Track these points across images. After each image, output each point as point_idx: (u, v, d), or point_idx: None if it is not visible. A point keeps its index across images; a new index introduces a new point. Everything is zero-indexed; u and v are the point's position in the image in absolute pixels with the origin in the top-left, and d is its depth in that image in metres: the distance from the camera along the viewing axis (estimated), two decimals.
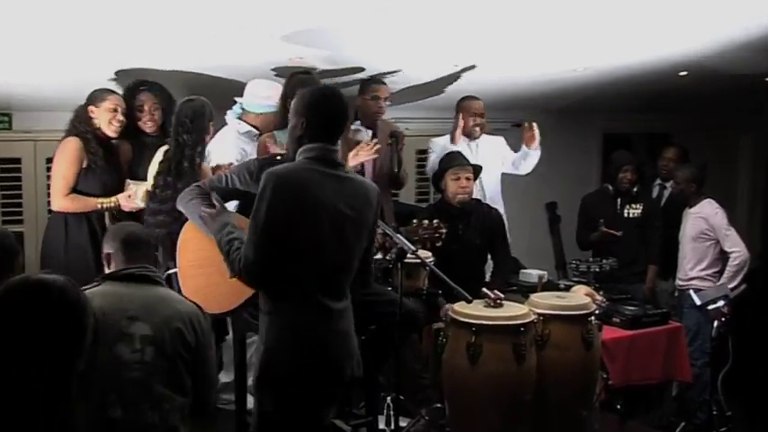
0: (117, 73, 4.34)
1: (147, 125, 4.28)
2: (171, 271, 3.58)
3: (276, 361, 2.70)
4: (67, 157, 4.00)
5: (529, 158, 5.15)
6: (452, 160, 4.60)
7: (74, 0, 3.37)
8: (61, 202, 4.02)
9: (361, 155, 4.32)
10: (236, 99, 4.51)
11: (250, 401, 3.17)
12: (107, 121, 4.08)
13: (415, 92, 5.45)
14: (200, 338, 2.66)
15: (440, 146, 5.07)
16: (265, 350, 2.73)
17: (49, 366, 1.94)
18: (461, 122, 5.08)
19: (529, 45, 4.58)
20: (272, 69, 4.56)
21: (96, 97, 4.10)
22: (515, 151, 5.28)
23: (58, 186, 4.02)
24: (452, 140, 5.05)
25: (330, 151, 2.78)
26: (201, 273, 3.39)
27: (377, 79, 4.78)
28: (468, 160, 4.62)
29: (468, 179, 4.52)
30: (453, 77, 5.20)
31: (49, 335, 1.96)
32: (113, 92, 4.18)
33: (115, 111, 4.08)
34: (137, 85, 4.30)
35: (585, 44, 4.66)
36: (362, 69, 4.76)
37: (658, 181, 6.01)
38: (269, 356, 2.72)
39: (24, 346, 1.94)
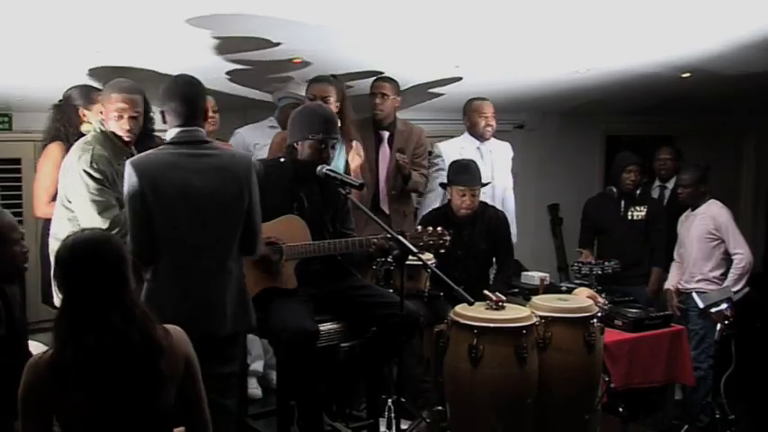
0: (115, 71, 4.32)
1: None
2: None
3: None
4: (55, 164, 3.74)
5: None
6: (461, 174, 4.51)
7: (73, 1, 3.38)
8: (45, 209, 3.84)
9: (355, 158, 4.34)
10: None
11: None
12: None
13: (416, 93, 5.46)
14: None
15: (448, 150, 5.04)
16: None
17: None
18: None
19: (531, 47, 4.58)
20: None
21: (90, 96, 3.86)
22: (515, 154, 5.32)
23: (40, 194, 3.87)
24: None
25: (188, 132, 3.01)
26: None
27: (379, 76, 4.79)
28: (478, 174, 4.54)
29: (473, 196, 4.49)
30: (454, 79, 5.21)
31: None
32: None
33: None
34: None
35: (588, 46, 4.66)
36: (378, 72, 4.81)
37: (658, 182, 6.00)
38: None
39: None
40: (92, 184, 3.34)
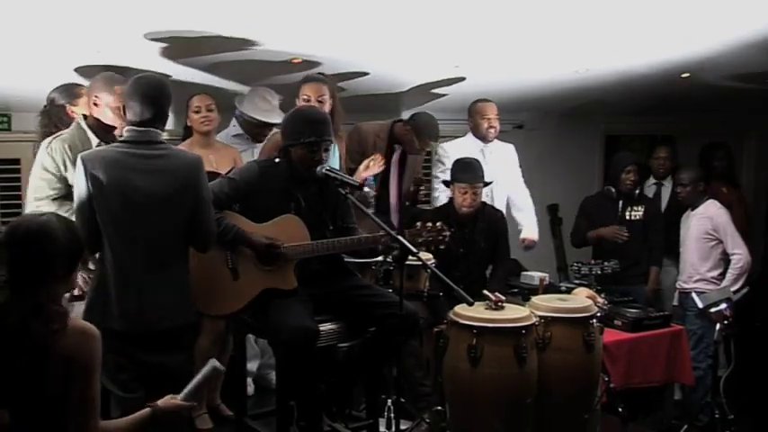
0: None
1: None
2: None
3: (92, 309, 3.09)
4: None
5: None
6: (463, 172, 4.57)
7: (72, 1, 3.40)
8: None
9: (372, 167, 4.36)
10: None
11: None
12: (113, 116, 3.68)
13: (416, 94, 5.47)
14: None
15: (452, 151, 5.07)
16: (87, 299, 3.17)
17: None
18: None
19: (530, 47, 4.59)
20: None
21: (74, 92, 3.94)
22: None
23: (30, 194, 3.81)
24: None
25: (140, 132, 3.12)
26: (205, 274, 3.43)
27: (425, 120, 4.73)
28: (481, 173, 4.59)
29: (475, 194, 4.52)
30: (457, 79, 5.23)
31: None
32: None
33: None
34: None
35: (588, 46, 4.67)
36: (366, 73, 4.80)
37: (653, 180, 6.02)
38: (88, 305, 3.14)
39: None
40: (42, 167, 3.56)
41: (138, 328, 3.08)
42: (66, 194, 3.54)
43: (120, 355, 3.07)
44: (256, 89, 4.65)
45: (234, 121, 4.75)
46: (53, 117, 3.95)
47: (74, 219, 3.04)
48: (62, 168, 3.57)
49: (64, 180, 3.56)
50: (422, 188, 4.94)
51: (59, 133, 3.69)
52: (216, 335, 4.14)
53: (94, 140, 3.66)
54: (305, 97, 4.20)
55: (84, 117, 3.75)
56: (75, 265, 2.31)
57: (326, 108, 4.14)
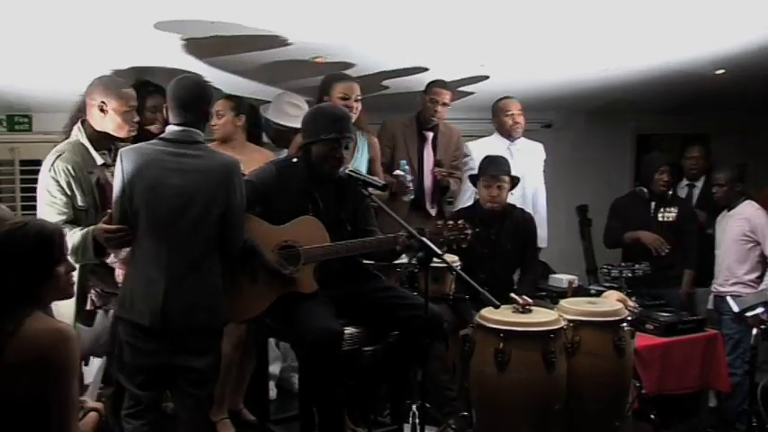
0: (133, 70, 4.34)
1: (158, 129, 4.04)
2: None
3: (123, 304, 3.16)
4: None
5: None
6: (487, 166, 4.54)
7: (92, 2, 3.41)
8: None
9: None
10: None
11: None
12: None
13: None
14: None
15: (478, 150, 5.05)
16: (120, 294, 3.23)
17: None
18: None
19: (557, 44, 4.55)
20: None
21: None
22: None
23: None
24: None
25: (180, 132, 3.19)
26: (227, 277, 3.41)
27: (439, 82, 4.81)
28: (506, 167, 4.55)
29: (499, 188, 4.47)
30: (482, 77, 5.19)
31: None
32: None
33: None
34: (144, 84, 4.16)
35: (617, 42, 4.62)
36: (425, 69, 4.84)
37: (685, 181, 5.94)
38: (119, 299, 3.20)
39: None
40: (47, 191, 3.43)
41: (163, 326, 3.08)
42: (74, 219, 3.41)
43: (141, 355, 3.10)
44: (281, 95, 4.65)
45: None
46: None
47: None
48: (67, 191, 3.42)
49: (70, 204, 3.43)
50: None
51: (59, 151, 3.48)
52: (237, 339, 4.13)
53: (98, 157, 3.50)
54: (341, 95, 4.18)
55: (82, 123, 3.56)
56: (47, 272, 2.31)
57: (359, 107, 4.17)
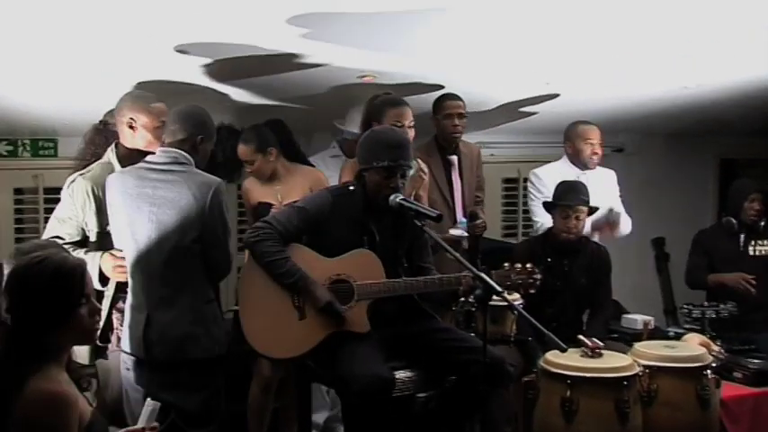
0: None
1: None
2: (233, 308, 3.69)
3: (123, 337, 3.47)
4: None
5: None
6: (565, 193, 4.57)
7: (122, 21, 3.53)
8: None
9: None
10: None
11: None
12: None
13: (500, 113, 5.48)
14: None
15: (545, 177, 5.06)
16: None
17: None
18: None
19: (631, 58, 4.57)
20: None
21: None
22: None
23: None
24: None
25: (164, 153, 3.43)
26: (267, 311, 3.47)
27: (449, 95, 4.77)
28: (585, 195, 4.57)
29: (577, 218, 4.51)
30: (544, 97, 5.22)
31: None
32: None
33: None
34: None
35: (697, 57, 4.62)
36: (442, 87, 4.83)
37: None
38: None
39: None
40: (61, 206, 3.70)
41: (148, 358, 3.34)
42: (80, 241, 3.63)
43: (140, 387, 3.35)
44: (358, 107, 4.71)
45: (333, 143, 4.97)
46: (109, 139, 3.86)
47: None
48: (80, 212, 3.61)
49: (79, 226, 3.63)
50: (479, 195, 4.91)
51: (86, 169, 3.69)
52: (268, 380, 4.19)
53: None
54: (394, 123, 4.10)
55: (116, 146, 3.75)
56: (69, 313, 2.31)
57: (412, 134, 4.15)
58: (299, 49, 4.04)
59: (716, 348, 4.27)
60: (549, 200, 4.67)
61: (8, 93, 4.29)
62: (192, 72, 4.25)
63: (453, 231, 4.51)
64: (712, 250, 5.49)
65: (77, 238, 3.64)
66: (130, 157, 3.65)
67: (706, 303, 4.92)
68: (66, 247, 3.52)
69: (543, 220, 4.90)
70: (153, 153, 3.52)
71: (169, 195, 3.36)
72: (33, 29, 3.54)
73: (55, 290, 2.28)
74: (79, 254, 3.47)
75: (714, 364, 3.79)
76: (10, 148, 5.02)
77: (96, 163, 3.73)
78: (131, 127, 3.65)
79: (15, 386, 2.20)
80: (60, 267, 2.32)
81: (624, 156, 6.53)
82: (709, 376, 3.70)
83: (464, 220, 4.59)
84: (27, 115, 4.68)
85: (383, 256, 3.57)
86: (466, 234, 4.51)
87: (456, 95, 4.75)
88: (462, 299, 3.80)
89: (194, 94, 4.42)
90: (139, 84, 4.12)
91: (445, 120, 4.72)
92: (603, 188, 5.20)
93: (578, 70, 4.77)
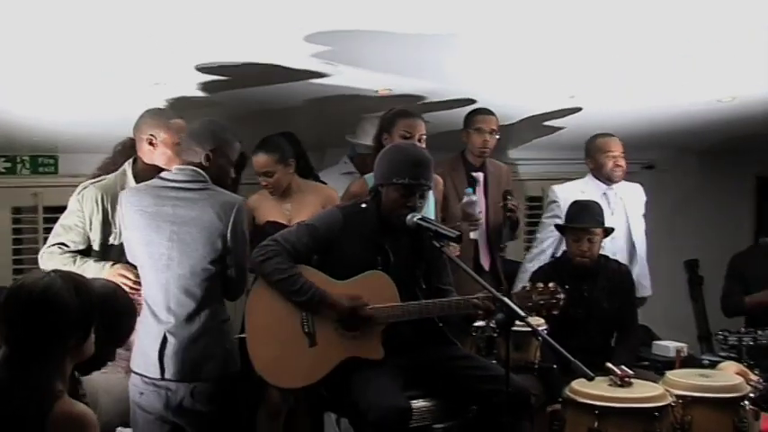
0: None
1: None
2: (239, 335, 3.69)
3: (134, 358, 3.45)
4: None
5: None
6: (577, 215, 4.58)
7: (125, 35, 3.58)
8: None
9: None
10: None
11: None
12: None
13: (524, 129, 5.50)
14: None
15: (565, 195, 5.06)
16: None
17: None
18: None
19: (662, 70, 4.58)
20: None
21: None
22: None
23: None
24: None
25: (181, 170, 3.44)
26: (275, 339, 3.48)
27: (482, 110, 4.83)
28: (599, 216, 4.58)
29: (590, 241, 4.51)
30: (569, 110, 5.23)
31: None
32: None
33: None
34: None
35: (733, 69, 4.62)
36: (473, 101, 4.89)
37: None
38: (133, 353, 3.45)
39: None
40: (68, 212, 3.77)
41: (163, 378, 3.35)
42: (83, 250, 3.70)
43: (151, 410, 3.38)
44: (368, 118, 4.74)
45: (345, 158, 4.97)
46: (121, 154, 3.96)
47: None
48: (87, 221, 3.71)
49: (85, 235, 3.72)
50: (509, 199, 4.79)
51: (100, 178, 3.81)
52: (277, 408, 4.22)
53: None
54: (404, 134, 4.15)
55: (134, 161, 3.86)
56: (87, 332, 2.39)
57: (423, 147, 4.14)
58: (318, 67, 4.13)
59: (754, 378, 4.23)
60: (560, 221, 4.68)
61: (7, 106, 4.31)
62: (205, 84, 4.30)
63: (465, 200, 4.46)
64: (749, 274, 5.46)
65: (82, 247, 3.72)
66: (147, 173, 3.72)
67: (743, 329, 4.90)
68: (70, 255, 3.66)
69: (542, 246, 5.03)
70: (168, 170, 3.59)
71: (191, 214, 3.38)
72: (34, 41, 3.59)
73: (78, 307, 2.34)
74: (84, 263, 3.61)
75: (752, 395, 3.77)
76: (8, 164, 5.04)
77: (111, 174, 3.83)
78: (151, 143, 3.78)
79: (45, 412, 2.24)
80: (78, 282, 2.41)
81: (655, 173, 6.53)
82: (747, 407, 3.68)
83: (470, 189, 4.56)
84: (26, 130, 4.69)
85: (400, 278, 3.57)
86: (475, 198, 4.47)
87: (489, 110, 4.82)
88: (482, 323, 3.80)
89: (208, 107, 4.48)
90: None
91: (475, 134, 4.77)
92: (632, 204, 5.21)
93: (604, 83, 4.78)
